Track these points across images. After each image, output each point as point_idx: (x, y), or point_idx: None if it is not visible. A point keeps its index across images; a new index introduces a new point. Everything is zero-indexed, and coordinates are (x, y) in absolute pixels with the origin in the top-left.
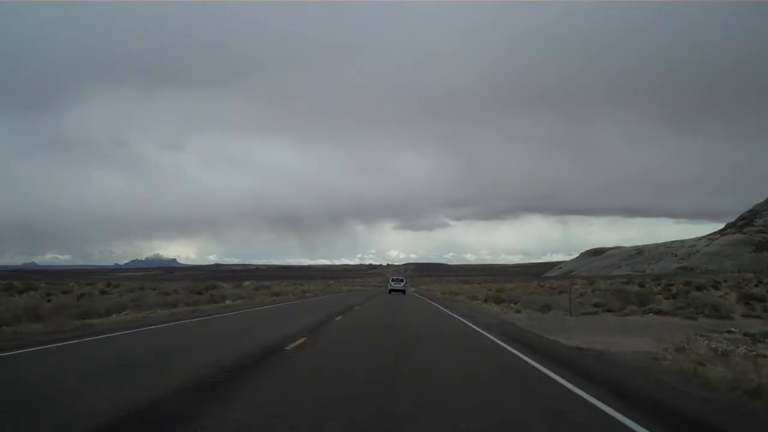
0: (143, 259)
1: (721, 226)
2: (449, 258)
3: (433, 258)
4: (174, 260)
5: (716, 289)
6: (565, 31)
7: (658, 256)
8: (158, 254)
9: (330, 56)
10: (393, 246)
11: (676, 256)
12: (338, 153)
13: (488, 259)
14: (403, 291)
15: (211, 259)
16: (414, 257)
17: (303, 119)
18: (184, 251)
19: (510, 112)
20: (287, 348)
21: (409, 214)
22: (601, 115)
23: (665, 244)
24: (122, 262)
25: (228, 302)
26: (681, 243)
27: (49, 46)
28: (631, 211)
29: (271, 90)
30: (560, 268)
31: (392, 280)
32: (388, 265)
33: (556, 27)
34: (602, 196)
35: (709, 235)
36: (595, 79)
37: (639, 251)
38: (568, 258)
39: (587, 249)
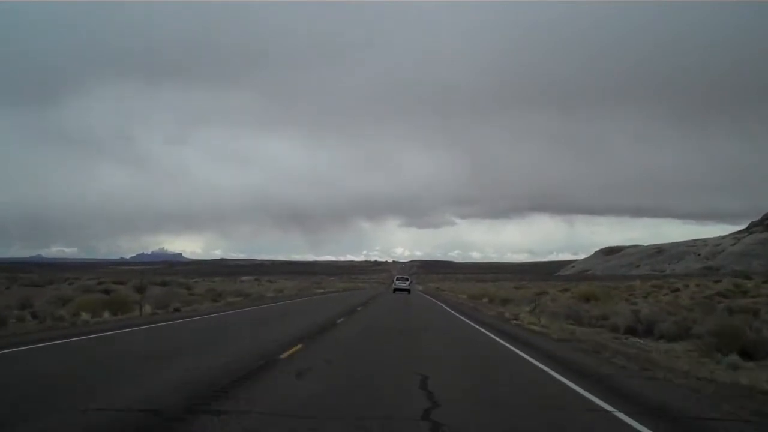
0: (149, 253)
1: (731, 226)
2: (454, 256)
3: (438, 255)
4: (180, 254)
5: None
6: (572, 29)
7: (680, 255)
8: (163, 248)
9: (337, 53)
10: (398, 243)
11: (699, 255)
12: (344, 149)
13: (494, 257)
14: (408, 290)
15: (217, 253)
16: (419, 254)
17: (309, 116)
18: (190, 246)
19: (516, 110)
20: None
21: (415, 211)
22: (608, 114)
23: (686, 243)
24: (128, 255)
25: None
26: (704, 242)
27: (54, 42)
28: (638, 211)
29: (276, 86)
30: (573, 266)
31: (397, 279)
32: (393, 262)
33: (563, 24)
34: (608, 196)
35: (734, 233)
36: (602, 77)
37: (659, 250)
38: (574, 257)
39: (601, 247)
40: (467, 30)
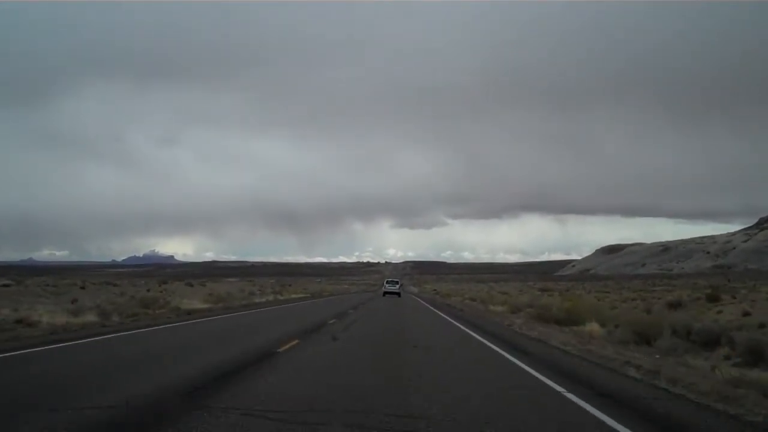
0: (140, 255)
1: (723, 225)
2: (447, 256)
3: (431, 256)
4: (171, 257)
5: None
6: (565, 27)
7: (688, 253)
8: (154, 251)
9: (329, 53)
10: (391, 244)
11: (708, 253)
12: (336, 150)
13: (486, 257)
14: (398, 293)
15: (208, 256)
16: (411, 255)
17: (301, 116)
18: (182, 248)
19: (509, 109)
20: None
21: (408, 212)
22: (605, 113)
23: (695, 240)
24: (120, 258)
25: None
26: (712, 239)
27: (44, 43)
28: (630, 211)
29: (269, 86)
30: (573, 266)
31: (387, 282)
32: (386, 263)
33: (556, 22)
34: (601, 196)
35: (744, 230)
36: (600, 76)
37: (664, 248)
38: (567, 257)
39: (599, 246)
40: (461, 27)
